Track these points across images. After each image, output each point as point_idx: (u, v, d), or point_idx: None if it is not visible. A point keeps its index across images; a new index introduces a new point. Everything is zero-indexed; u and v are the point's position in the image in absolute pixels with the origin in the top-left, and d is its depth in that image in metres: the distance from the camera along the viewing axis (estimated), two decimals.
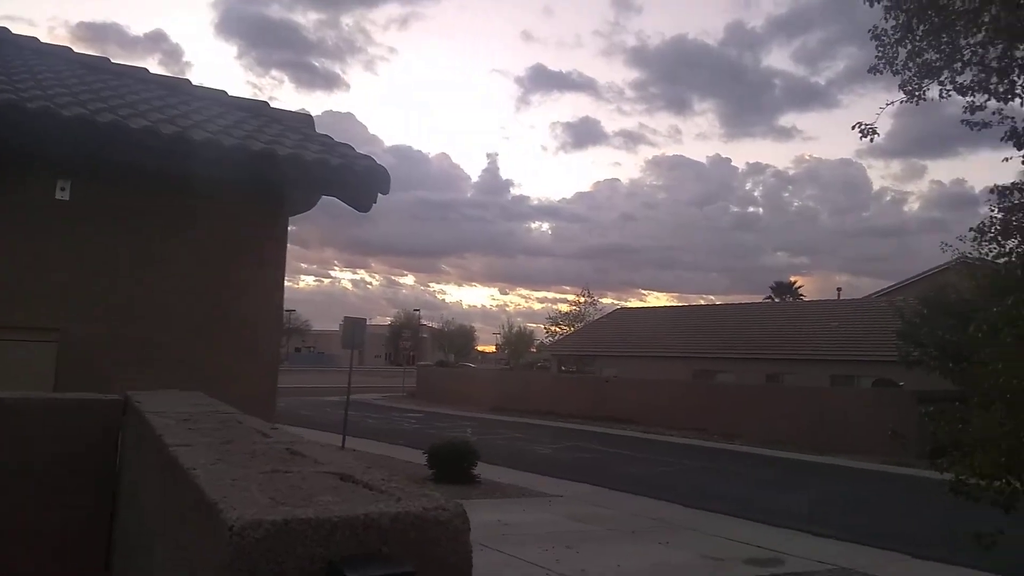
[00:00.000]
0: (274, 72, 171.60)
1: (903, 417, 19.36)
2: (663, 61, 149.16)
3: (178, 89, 5.88)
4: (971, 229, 7.12)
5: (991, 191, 6.83)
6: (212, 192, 4.99)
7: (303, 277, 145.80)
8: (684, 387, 31.73)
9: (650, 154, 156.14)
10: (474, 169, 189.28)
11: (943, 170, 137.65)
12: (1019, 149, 6.55)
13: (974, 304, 8.11)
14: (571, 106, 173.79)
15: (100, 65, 6.07)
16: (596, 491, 15.18)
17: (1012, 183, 6.64)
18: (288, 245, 5.68)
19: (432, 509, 0.74)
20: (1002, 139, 6.73)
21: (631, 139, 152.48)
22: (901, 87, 7.36)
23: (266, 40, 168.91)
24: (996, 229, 6.82)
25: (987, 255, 7.47)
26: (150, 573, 1.24)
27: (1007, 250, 6.91)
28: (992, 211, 7.06)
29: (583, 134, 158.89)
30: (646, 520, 12.56)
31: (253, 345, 5.25)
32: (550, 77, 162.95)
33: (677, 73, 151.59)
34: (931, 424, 7.15)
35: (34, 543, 2.07)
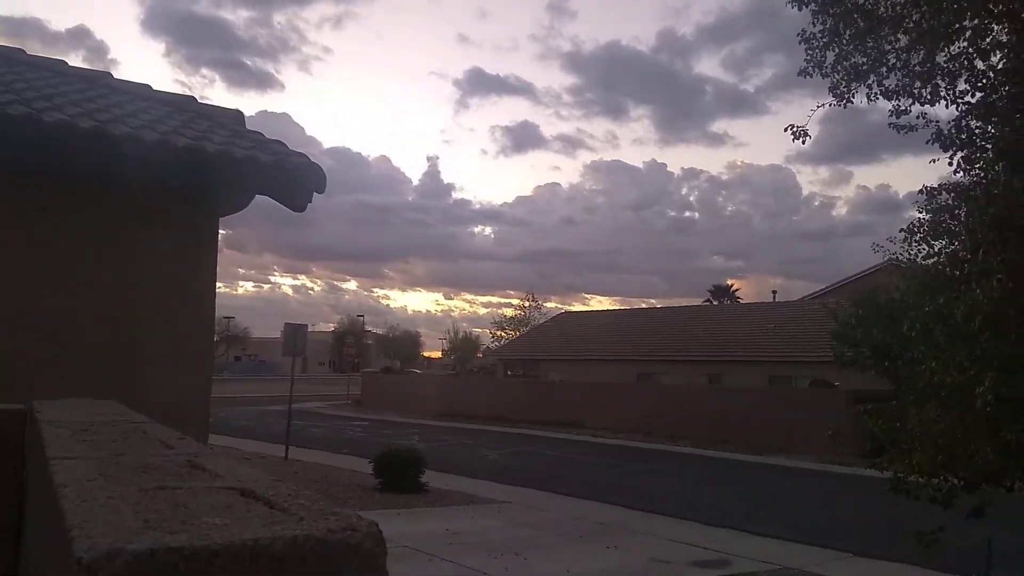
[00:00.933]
0: (204, 71, 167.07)
1: (839, 416, 19.90)
2: (598, 67, 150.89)
3: (99, 82, 5.58)
4: (901, 230, 7.30)
5: (920, 192, 7.02)
6: (135, 190, 4.73)
7: (241, 283, 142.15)
8: (629, 390, 32.02)
9: (588, 159, 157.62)
10: (415, 172, 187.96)
11: (869, 175, 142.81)
12: (945, 151, 6.73)
13: (905, 304, 8.33)
14: (510, 110, 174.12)
15: (14, 56, 5.73)
16: (544, 496, 15.14)
17: (940, 184, 6.83)
18: (225, 250, 5.47)
19: (339, 531, 0.62)
20: (927, 142, 6.91)
21: (570, 144, 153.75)
22: (830, 90, 7.51)
23: (195, 38, 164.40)
24: (925, 230, 7.01)
25: (917, 256, 7.67)
26: None
27: (936, 250, 7.10)
28: (920, 213, 7.25)
29: (522, 138, 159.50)
30: (594, 524, 12.55)
31: (182, 352, 5.00)
32: (488, 81, 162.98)
33: (612, 79, 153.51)
34: (868, 423, 7.28)
35: None
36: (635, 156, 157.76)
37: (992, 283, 5.90)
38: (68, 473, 0.83)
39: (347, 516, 0.65)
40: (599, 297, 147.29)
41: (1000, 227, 5.80)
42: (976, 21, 6.77)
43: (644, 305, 66.91)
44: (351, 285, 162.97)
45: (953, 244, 6.97)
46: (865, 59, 7.62)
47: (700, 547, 11.15)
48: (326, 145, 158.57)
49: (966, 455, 6.15)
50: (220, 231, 5.59)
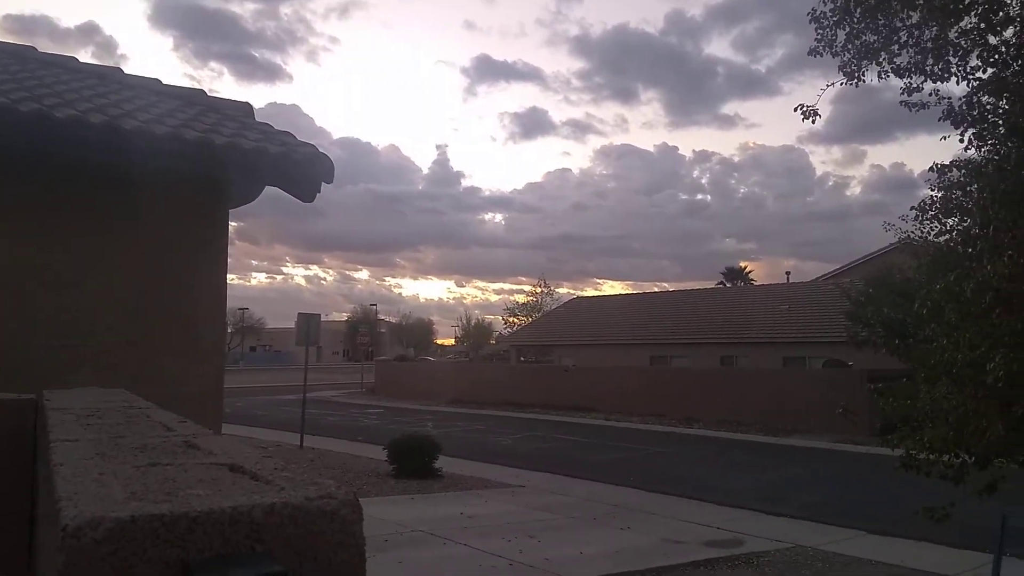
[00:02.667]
0: (212, 64, 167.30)
1: (854, 396, 19.83)
2: (607, 50, 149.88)
3: (109, 78, 5.63)
4: (912, 208, 7.25)
5: (930, 169, 6.96)
6: (146, 184, 4.79)
7: (254, 274, 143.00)
8: (642, 373, 32.01)
9: (598, 144, 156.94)
10: (424, 161, 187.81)
11: (882, 155, 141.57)
12: (956, 128, 6.67)
13: (918, 283, 8.29)
14: (518, 96, 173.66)
15: (26, 54, 5.79)
16: (558, 480, 15.22)
17: (951, 161, 6.77)
18: (237, 242, 5.56)
19: (316, 499, 0.64)
20: (939, 119, 6.85)
21: (579, 129, 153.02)
22: (840, 68, 7.43)
23: (202, 31, 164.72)
24: (936, 208, 6.95)
25: (929, 234, 7.61)
26: None
27: (948, 228, 7.05)
28: (932, 190, 7.19)
29: (531, 124, 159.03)
30: (608, 506, 12.62)
31: (195, 342, 5.07)
32: (496, 67, 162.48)
33: (621, 62, 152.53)
34: (879, 401, 7.27)
35: None
36: (646, 140, 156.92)
37: (1003, 260, 5.86)
38: (66, 453, 0.86)
39: (326, 485, 0.68)
40: (611, 282, 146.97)
41: (1011, 203, 5.76)
42: None
43: (656, 289, 66.75)
44: (363, 274, 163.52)
45: (965, 221, 6.91)
46: (876, 37, 7.53)
47: (713, 527, 11.20)
48: (335, 136, 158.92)
49: (977, 431, 6.13)
50: (232, 223, 5.65)
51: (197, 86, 6.24)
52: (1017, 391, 5.89)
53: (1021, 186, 5.65)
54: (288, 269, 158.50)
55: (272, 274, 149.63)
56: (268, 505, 0.62)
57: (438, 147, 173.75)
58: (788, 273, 47.18)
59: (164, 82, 5.85)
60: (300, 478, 0.72)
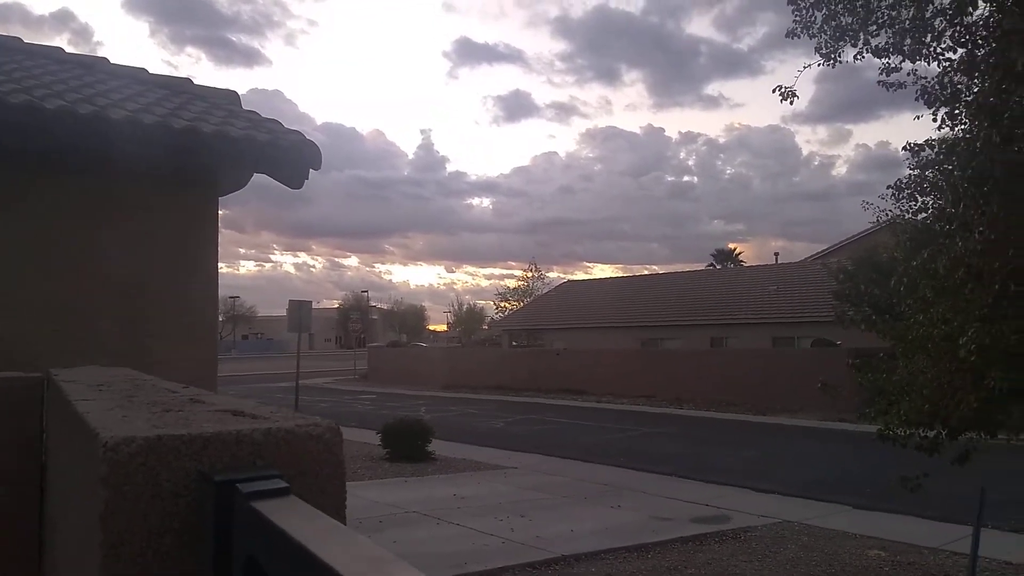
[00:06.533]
0: (189, 49, 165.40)
1: (841, 375, 20.10)
2: (588, 31, 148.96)
3: (95, 68, 5.70)
4: (888, 187, 7.42)
5: (904, 148, 7.12)
6: (135, 174, 4.89)
7: (243, 263, 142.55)
8: (632, 355, 32.31)
9: (583, 126, 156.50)
10: (409, 146, 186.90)
11: (868, 133, 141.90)
12: (930, 107, 6.83)
13: (897, 261, 8.48)
14: (501, 79, 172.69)
15: (12, 44, 5.85)
16: (549, 461, 15.45)
17: (925, 140, 6.92)
18: (223, 230, 5.62)
19: (305, 425, 0.80)
20: (915, 99, 7.00)
21: (563, 111, 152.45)
22: (817, 50, 7.57)
23: (178, 16, 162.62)
24: (913, 187, 7.12)
25: (906, 213, 7.79)
26: (65, 528, 1.27)
27: (924, 206, 7.22)
28: (910, 169, 7.36)
29: (515, 107, 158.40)
30: (597, 486, 12.85)
31: (188, 330, 5.19)
32: (476, 49, 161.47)
33: (603, 43, 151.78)
34: (857, 376, 7.47)
35: None
36: (630, 122, 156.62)
37: (974, 236, 6.04)
38: (89, 407, 1.00)
39: (312, 418, 0.83)
40: (601, 265, 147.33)
41: (981, 181, 5.93)
42: None
43: (646, 272, 67.10)
44: (352, 261, 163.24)
45: (939, 200, 7.09)
46: (852, 18, 7.66)
47: (701, 504, 11.44)
48: (319, 121, 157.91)
49: (952, 404, 6.33)
50: (218, 211, 5.75)
51: (175, 72, 6.35)
52: (989, 364, 6.08)
53: (990, 164, 5.81)
54: (276, 256, 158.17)
55: (260, 262, 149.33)
56: (265, 430, 0.77)
57: (422, 132, 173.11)
58: (777, 254, 47.60)
59: (150, 71, 5.93)
60: (291, 416, 0.87)
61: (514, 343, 44.73)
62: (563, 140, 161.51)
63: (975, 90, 6.56)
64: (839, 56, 7.54)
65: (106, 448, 0.69)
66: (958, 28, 7.04)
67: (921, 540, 9.46)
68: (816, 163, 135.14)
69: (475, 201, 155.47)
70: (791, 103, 7.64)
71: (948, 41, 6.89)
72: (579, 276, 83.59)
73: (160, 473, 0.71)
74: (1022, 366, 5.83)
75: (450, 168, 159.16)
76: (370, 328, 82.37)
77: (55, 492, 1.61)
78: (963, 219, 6.07)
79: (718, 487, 12.73)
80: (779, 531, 10.00)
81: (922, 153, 6.86)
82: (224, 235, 5.71)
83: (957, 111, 6.62)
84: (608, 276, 60.59)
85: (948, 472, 6.93)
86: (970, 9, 6.69)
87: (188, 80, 5.86)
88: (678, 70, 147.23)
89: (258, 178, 5.71)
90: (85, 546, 0.79)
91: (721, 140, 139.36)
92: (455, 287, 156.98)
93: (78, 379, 1.67)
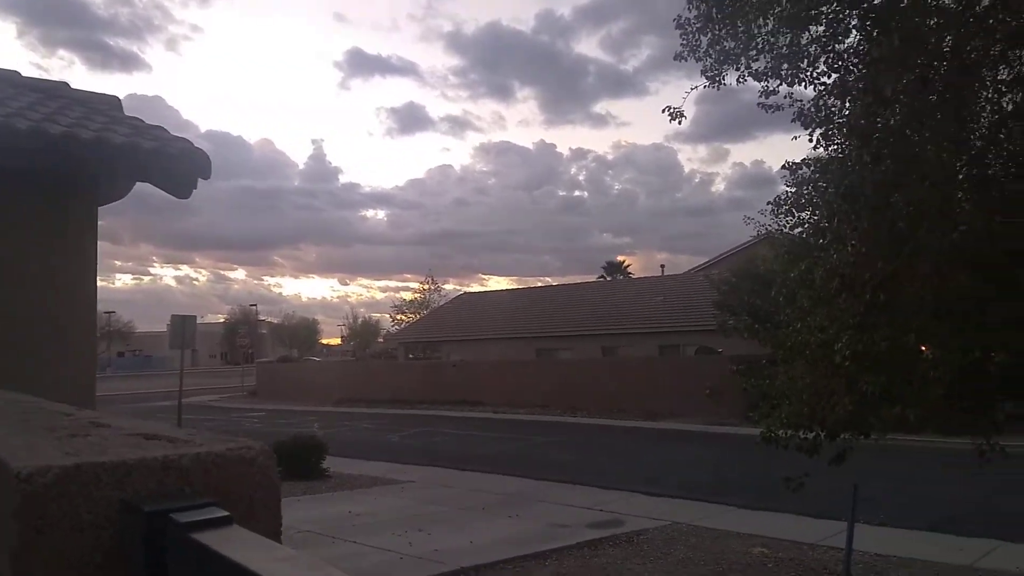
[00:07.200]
0: (62, 52, 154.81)
1: (723, 380, 21.07)
2: (480, 48, 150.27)
3: None
4: (768, 203, 7.86)
5: (783, 167, 7.56)
6: (7, 181, 4.54)
7: (119, 275, 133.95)
8: (527, 366, 32.65)
9: (477, 140, 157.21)
10: (300, 156, 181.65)
11: (744, 153, 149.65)
12: (806, 128, 7.29)
13: (775, 272, 9.00)
14: (395, 91, 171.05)
15: None
16: (447, 473, 15.36)
17: (802, 159, 7.38)
18: (99, 241, 5.28)
19: (236, 449, 0.76)
20: (792, 120, 7.46)
21: (457, 125, 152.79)
22: (703, 73, 7.94)
23: (49, 17, 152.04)
24: (790, 203, 7.57)
25: (784, 227, 8.26)
26: None
27: (800, 220, 7.68)
28: (787, 186, 7.82)
29: (409, 120, 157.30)
30: (495, 496, 12.88)
31: (64, 346, 4.85)
32: (369, 61, 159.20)
33: (496, 60, 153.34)
34: (742, 381, 7.83)
35: None
36: (523, 137, 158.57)
37: (847, 249, 6.48)
38: None
39: (244, 441, 0.79)
40: (496, 277, 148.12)
41: (852, 198, 6.37)
42: (834, 5, 7.33)
43: (540, 283, 68.04)
44: (239, 274, 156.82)
45: (815, 215, 7.56)
46: (735, 43, 8.09)
47: (596, 510, 11.67)
48: (203, 128, 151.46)
49: (828, 407, 6.74)
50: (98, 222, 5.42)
51: (45, 75, 5.96)
52: (862, 370, 6.51)
53: (861, 182, 6.25)
54: (156, 269, 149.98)
55: (138, 275, 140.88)
56: (194, 455, 0.72)
57: (314, 142, 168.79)
58: (663, 266, 49.39)
59: (23, 74, 5.53)
60: (215, 439, 0.82)
61: (411, 356, 44.30)
62: (458, 153, 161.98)
63: (847, 113, 7.05)
64: (723, 79, 7.93)
65: (19, 479, 0.64)
66: (831, 55, 7.56)
67: (801, 537, 9.99)
68: (697, 180, 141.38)
69: (369, 213, 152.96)
70: (679, 123, 7.98)
71: (822, 67, 7.38)
72: (475, 288, 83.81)
73: (80, 504, 0.66)
74: (892, 371, 6.28)
75: (343, 179, 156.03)
76: (259, 343, 79.52)
77: None
78: (837, 233, 6.50)
79: (612, 492, 13.03)
80: (670, 533, 10.33)
81: (799, 171, 7.31)
82: (99, 247, 5.39)
83: (831, 132, 7.10)
84: (503, 288, 61.13)
85: (826, 472, 7.36)
86: (840, 37, 7.20)
87: (65, 84, 5.51)
88: (568, 89, 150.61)
89: (138, 187, 5.43)
90: None
91: (609, 157, 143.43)
92: (349, 300, 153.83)
93: None
